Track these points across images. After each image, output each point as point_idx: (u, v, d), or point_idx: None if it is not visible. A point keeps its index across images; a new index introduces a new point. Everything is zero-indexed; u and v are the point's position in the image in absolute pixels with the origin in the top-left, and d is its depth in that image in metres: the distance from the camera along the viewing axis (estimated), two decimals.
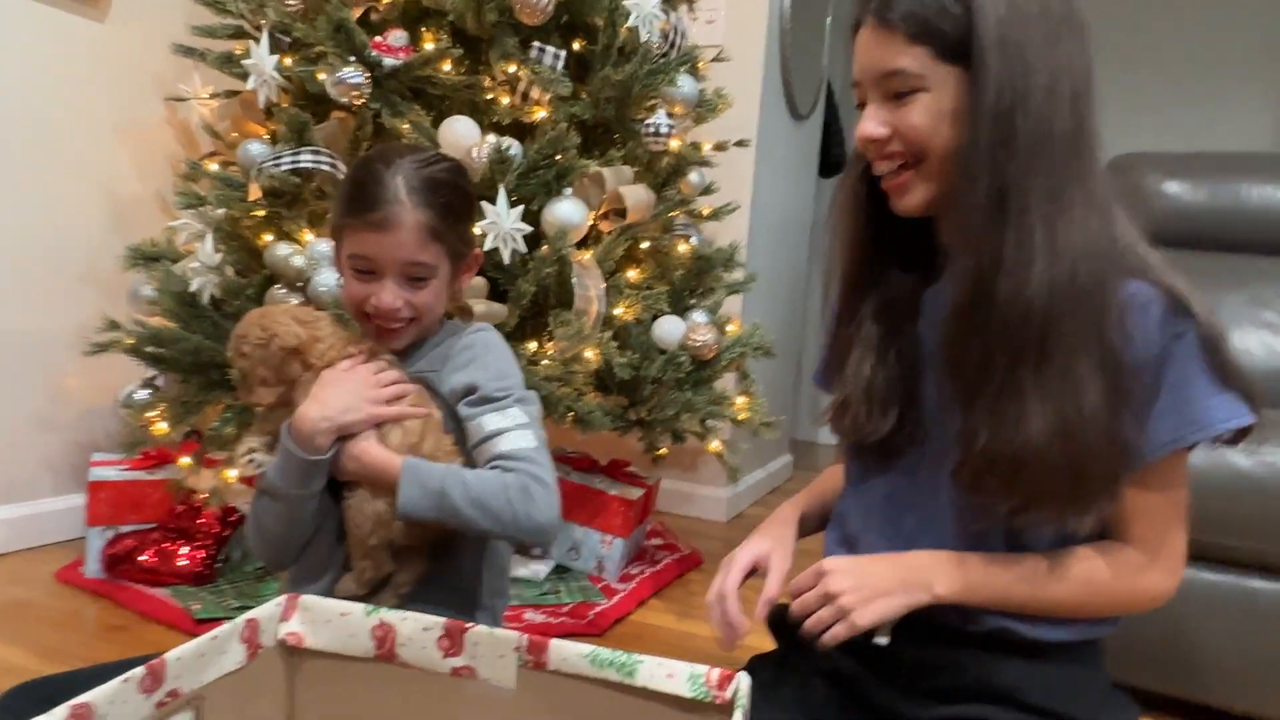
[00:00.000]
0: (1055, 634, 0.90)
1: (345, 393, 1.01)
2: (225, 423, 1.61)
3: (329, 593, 1.07)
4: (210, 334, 1.65)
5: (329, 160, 1.68)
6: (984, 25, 0.78)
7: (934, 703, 0.92)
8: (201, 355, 1.62)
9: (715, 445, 2.00)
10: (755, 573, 1.04)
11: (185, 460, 1.77)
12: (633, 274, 1.89)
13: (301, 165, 1.65)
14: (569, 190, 1.74)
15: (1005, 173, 0.79)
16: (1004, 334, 0.80)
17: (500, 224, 1.57)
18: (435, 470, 1.00)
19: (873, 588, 0.87)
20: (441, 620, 0.83)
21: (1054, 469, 0.80)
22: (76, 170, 2.04)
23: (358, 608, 0.85)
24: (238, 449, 1.07)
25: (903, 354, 0.94)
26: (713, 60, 2.10)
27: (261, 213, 1.72)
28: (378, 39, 1.73)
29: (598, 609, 1.81)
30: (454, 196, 1.06)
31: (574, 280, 1.68)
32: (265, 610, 0.83)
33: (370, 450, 1.02)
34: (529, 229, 1.62)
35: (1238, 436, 0.84)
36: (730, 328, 2.03)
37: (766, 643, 1.09)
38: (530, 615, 1.74)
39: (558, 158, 1.70)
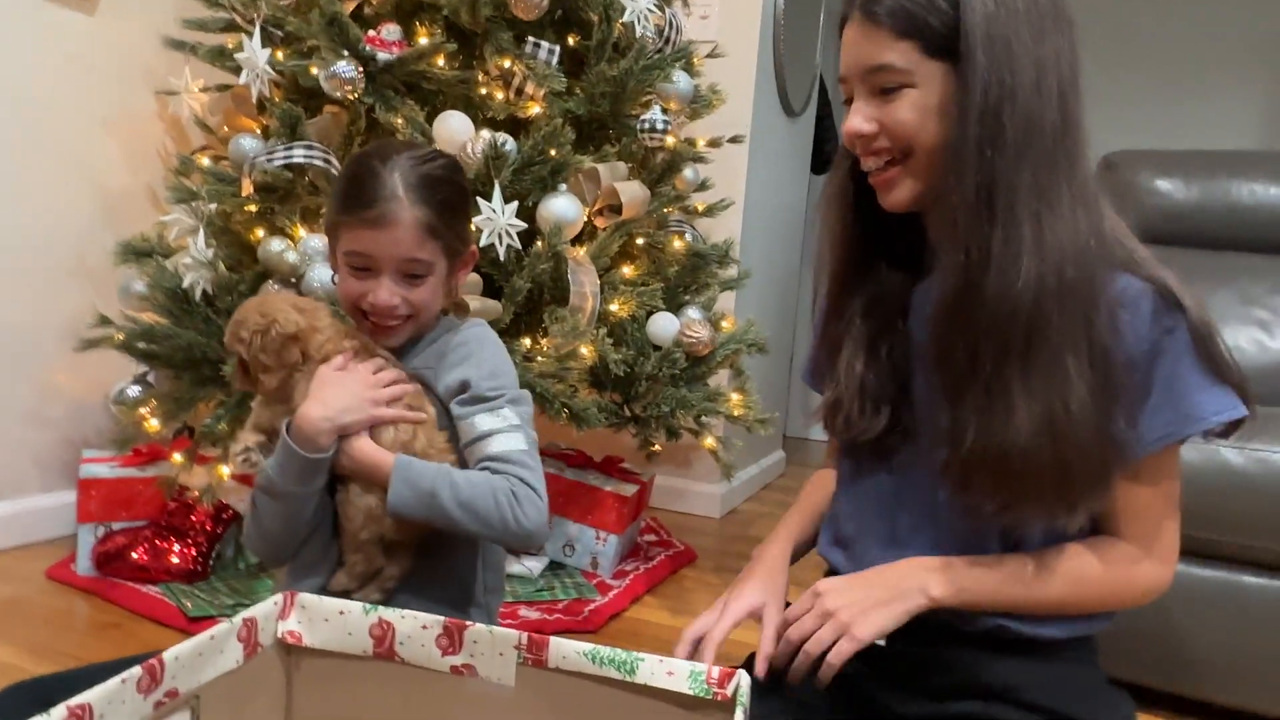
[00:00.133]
0: (1050, 631, 0.90)
1: (346, 393, 1.01)
2: (218, 419, 1.60)
3: (323, 589, 1.07)
4: (203, 330, 1.64)
5: (322, 155, 1.67)
6: (971, 20, 0.78)
7: (931, 701, 0.93)
8: (194, 351, 1.61)
9: (710, 442, 2.00)
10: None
11: (178, 457, 1.76)
12: (627, 270, 1.88)
13: (294, 160, 1.64)
14: (564, 186, 1.73)
15: (993, 168, 0.79)
16: (991, 330, 0.80)
17: (495, 220, 1.57)
18: (426, 470, 1.00)
19: (868, 600, 0.87)
20: (441, 618, 0.83)
21: (1041, 466, 0.80)
22: (66, 164, 2.02)
23: (356, 606, 0.85)
24: (233, 447, 1.06)
25: (893, 351, 0.94)
26: (708, 56, 2.09)
27: (254, 208, 1.70)
28: (371, 33, 1.72)
29: (592, 606, 1.81)
30: (451, 193, 1.05)
31: (569, 276, 1.67)
32: (263, 609, 0.83)
33: (363, 447, 1.02)
34: (524, 225, 1.62)
35: (1229, 429, 0.85)
36: (724, 324, 2.03)
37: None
38: (525, 612, 1.74)
39: (552, 153, 1.69)
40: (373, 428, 1.03)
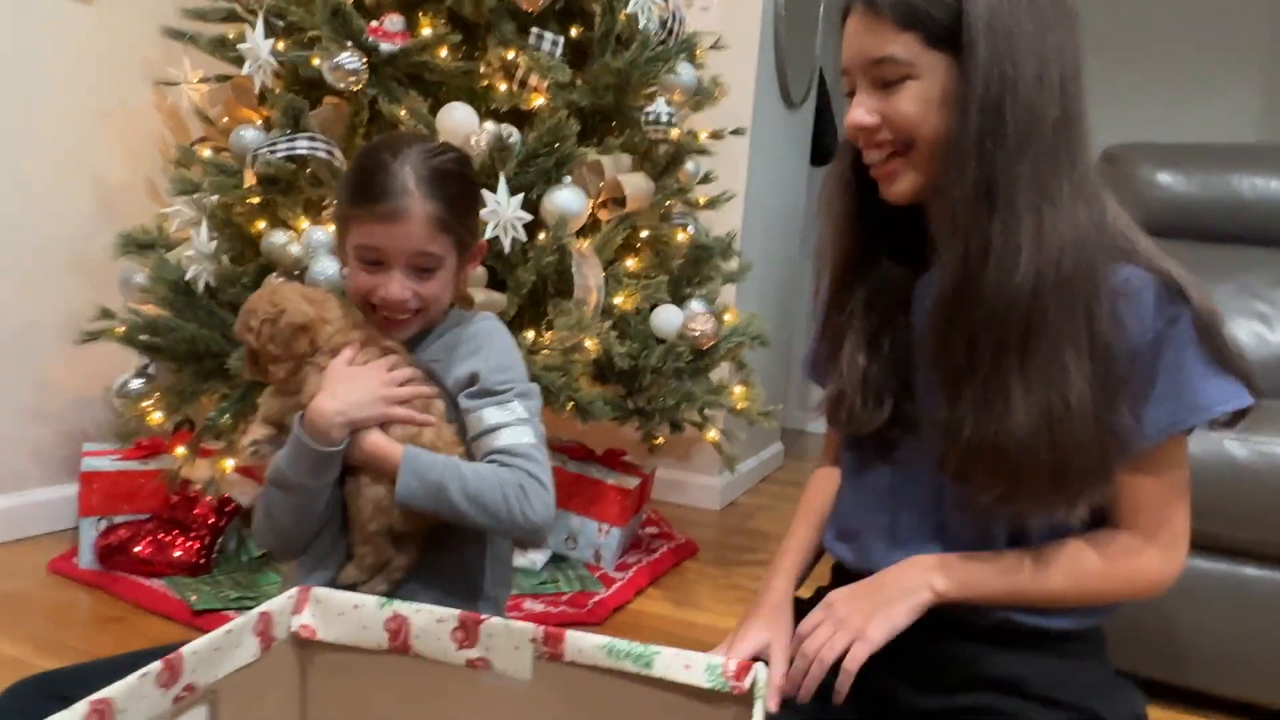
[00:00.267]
0: (1058, 623, 0.90)
1: (360, 387, 1.01)
2: (221, 412, 1.59)
3: (332, 582, 1.07)
4: (206, 322, 1.63)
5: (325, 146, 1.66)
6: (973, 11, 0.78)
7: (942, 694, 0.93)
8: (197, 344, 1.61)
9: (712, 435, 2.00)
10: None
11: (180, 450, 1.75)
12: (631, 263, 1.88)
13: (298, 151, 1.63)
14: (568, 179, 1.73)
15: (993, 161, 0.78)
16: (989, 323, 0.80)
17: (501, 212, 1.56)
18: (435, 462, 1.00)
19: (876, 603, 0.87)
20: (456, 612, 0.82)
21: (1038, 459, 0.80)
22: (63, 156, 2.01)
23: (370, 600, 0.85)
24: (242, 440, 1.06)
25: (895, 345, 0.94)
26: (711, 48, 2.09)
27: (256, 200, 1.69)
28: (374, 24, 1.71)
29: (597, 598, 1.81)
30: (462, 187, 1.05)
31: (573, 269, 1.67)
32: (278, 603, 0.83)
33: (373, 438, 1.02)
34: (529, 217, 1.61)
35: (1235, 419, 0.85)
36: (727, 317, 2.03)
37: None
38: (529, 604, 1.74)
39: (557, 146, 1.69)
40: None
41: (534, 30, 1.76)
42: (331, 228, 1.69)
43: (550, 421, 1.15)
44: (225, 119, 1.97)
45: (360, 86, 1.66)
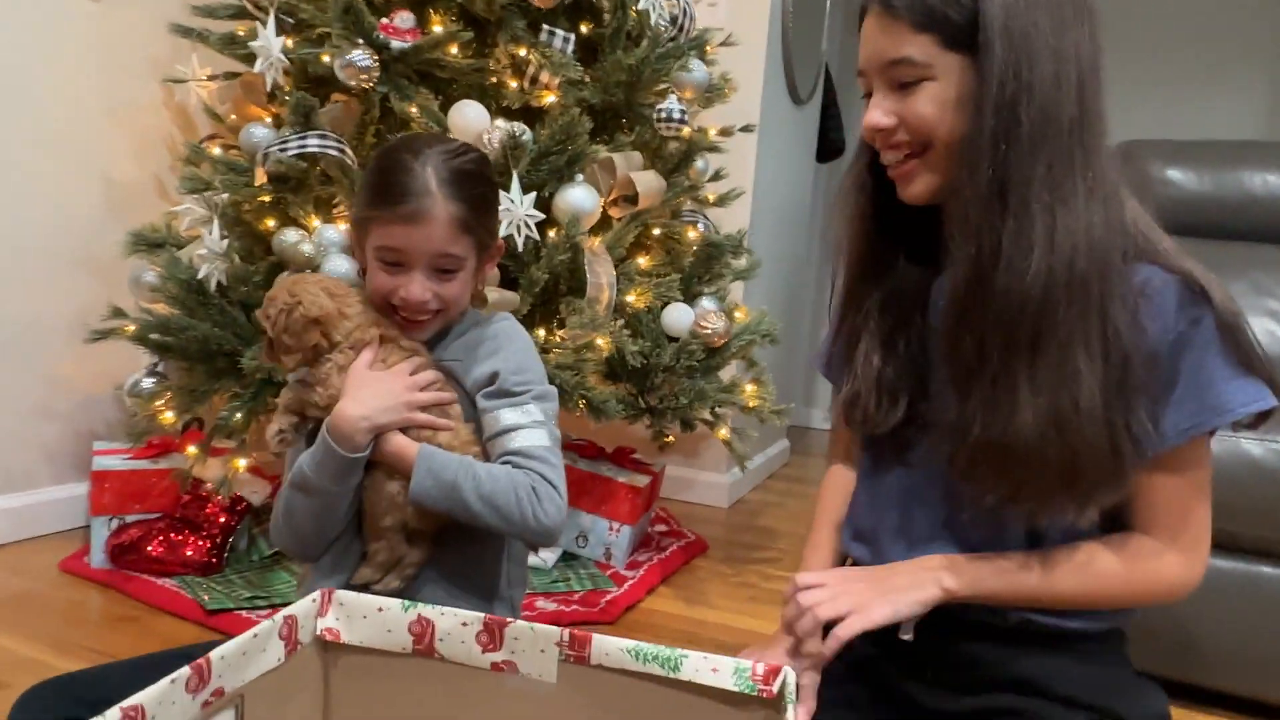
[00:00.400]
0: (1078, 624, 0.90)
1: (384, 392, 1.01)
2: (233, 411, 1.59)
3: (347, 584, 1.07)
4: (218, 321, 1.62)
5: (336, 144, 1.65)
6: (990, 12, 0.78)
7: (963, 695, 0.93)
8: (209, 343, 1.60)
9: (724, 433, 1.99)
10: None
11: (192, 449, 1.74)
12: (642, 261, 1.87)
13: (309, 149, 1.62)
14: (580, 176, 1.72)
15: (1007, 162, 0.78)
16: (999, 323, 0.80)
17: (514, 211, 1.55)
18: (450, 461, 1.00)
19: (885, 587, 0.87)
20: (481, 615, 0.82)
21: (1045, 460, 0.79)
22: (70, 153, 2.00)
23: (394, 603, 0.84)
24: (268, 430, 1.06)
25: (911, 345, 0.94)
26: (721, 44, 2.08)
27: (267, 198, 1.69)
28: (385, 21, 1.70)
29: (608, 597, 1.81)
30: (483, 187, 1.05)
31: (585, 267, 1.67)
32: (302, 606, 0.83)
33: (390, 436, 1.02)
34: (542, 216, 1.60)
35: (1258, 420, 0.84)
36: (737, 315, 2.02)
37: None
38: (541, 603, 1.74)
39: (569, 143, 1.68)
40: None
41: (545, 27, 1.76)
42: (343, 226, 1.69)
43: (561, 420, 1.15)
44: (234, 116, 1.97)
45: (371, 84, 1.66)
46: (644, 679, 0.77)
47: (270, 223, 1.71)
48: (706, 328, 1.85)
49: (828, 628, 0.86)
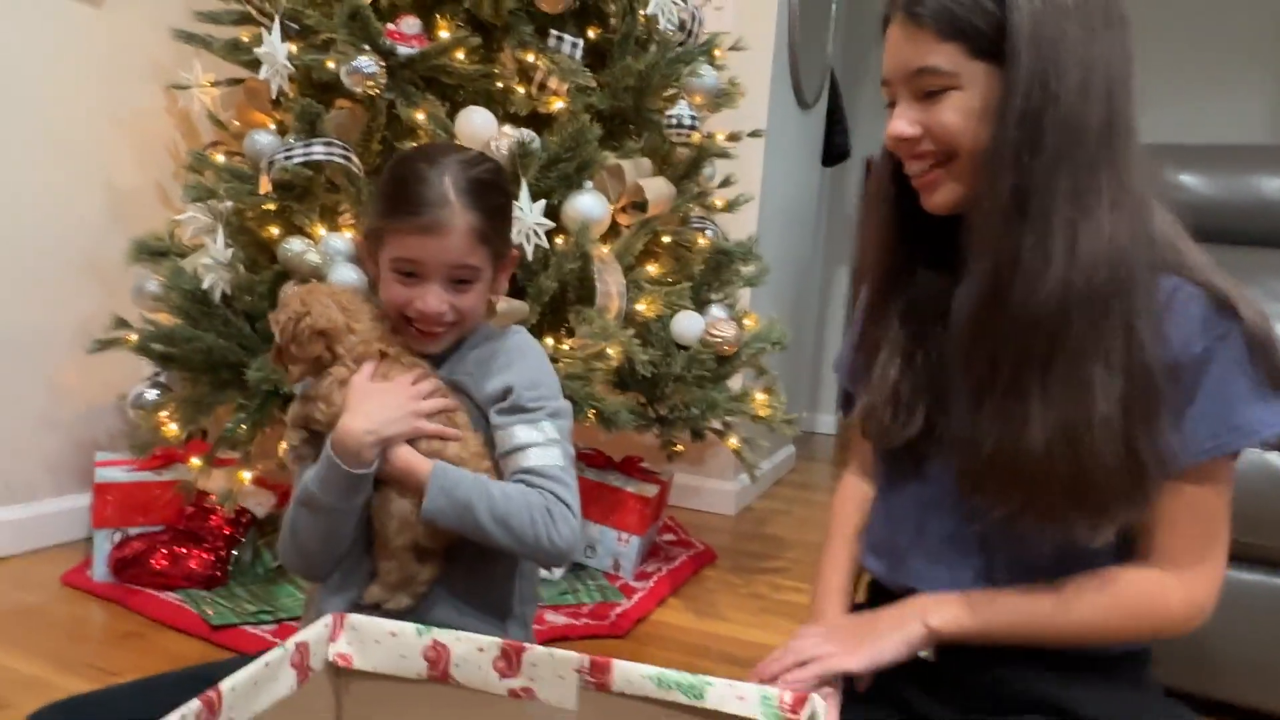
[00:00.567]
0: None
1: (389, 405, 0.99)
2: (238, 423, 1.56)
3: (356, 602, 1.05)
4: (222, 332, 1.60)
5: (342, 152, 1.63)
6: (1017, 20, 0.76)
7: (987, 717, 0.91)
8: (214, 354, 1.58)
9: (734, 442, 1.97)
10: None
11: (196, 461, 1.72)
12: (652, 269, 1.85)
13: (314, 157, 1.60)
14: (589, 183, 1.70)
15: (1029, 173, 0.76)
16: (1013, 338, 0.78)
17: (523, 219, 1.53)
18: (463, 480, 0.98)
19: (868, 634, 0.86)
20: (498, 640, 0.80)
21: (1054, 476, 0.77)
22: (72, 160, 1.98)
23: (409, 627, 0.82)
24: (282, 445, 1.05)
25: (929, 357, 0.92)
26: (730, 49, 2.06)
27: (272, 206, 1.67)
28: (391, 27, 1.68)
29: (618, 609, 1.78)
30: (500, 198, 1.03)
31: (595, 276, 1.64)
32: (314, 631, 0.80)
33: (400, 452, 1.00)
34: (551, 224, 1.58)
35: None
36: (747, 322, 2.00)
37: None
38: (551, 616, 1.72)
39: (577, 150, 1.66)
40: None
41: (553, 32, 1.74)
42: (349, 234, 1.67)
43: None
44: (237, 123, 1.95)
45: (378, 91, 1.63)
46: (667, 707, 0.75)
47: (275, 231, 1.69)
48: (717, 336, 1.82)
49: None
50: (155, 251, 1.76)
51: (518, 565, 1.12)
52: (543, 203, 1.58)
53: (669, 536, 2.32)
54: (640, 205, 1.80)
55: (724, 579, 2.10)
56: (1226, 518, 0.84)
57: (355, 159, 1.65)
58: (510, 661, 0.80)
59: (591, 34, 1.85)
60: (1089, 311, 0.76)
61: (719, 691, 0.74)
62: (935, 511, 0.92)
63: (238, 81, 1.94)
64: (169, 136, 2.17)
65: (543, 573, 1.92)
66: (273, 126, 1.81)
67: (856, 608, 1.02)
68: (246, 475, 1.69)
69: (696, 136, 1.83)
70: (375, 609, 1.04)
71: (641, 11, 1.81)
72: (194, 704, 0.64)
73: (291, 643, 0.77)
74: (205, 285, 1.60)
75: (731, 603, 1.95)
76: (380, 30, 1.63)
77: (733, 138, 2.11)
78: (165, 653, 1.50)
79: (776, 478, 3.19)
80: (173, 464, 1.81)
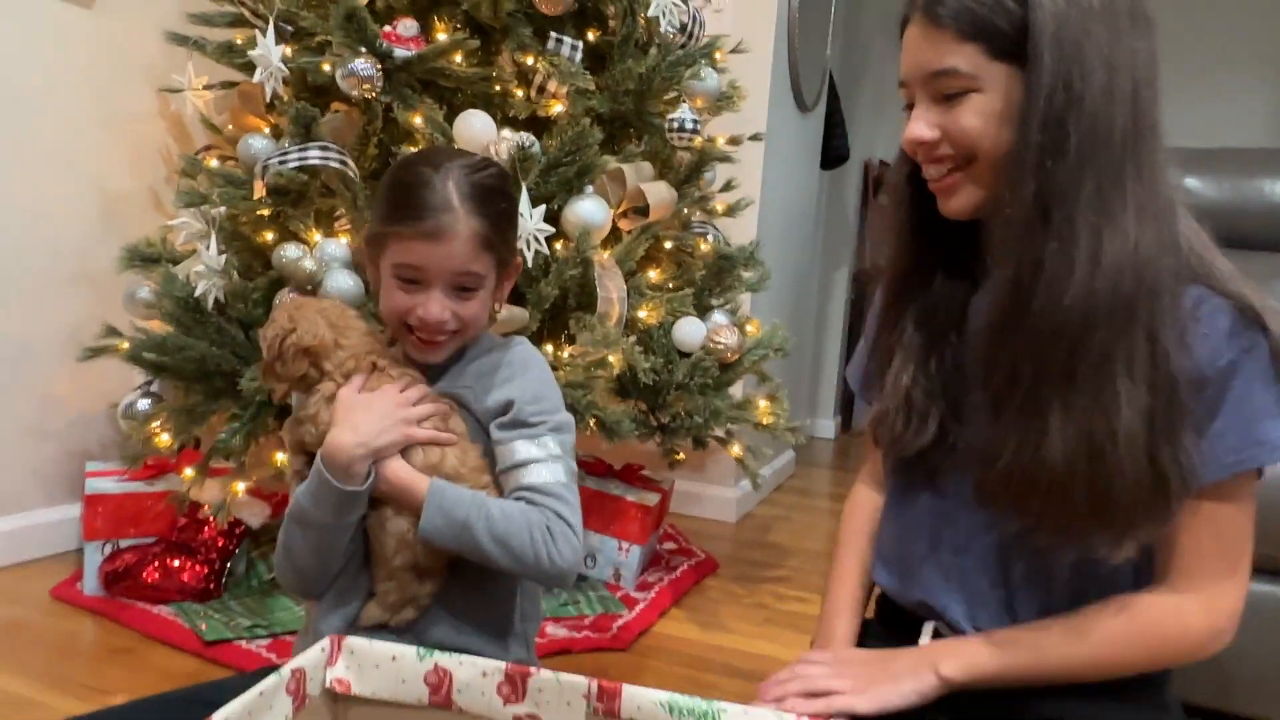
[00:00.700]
0: None
1: (377, 414, 0.96)
2: (232, 433, 1.53)
3: (354, 621, 1.02)
4: (215, 340, 1.56)
5: (338, 156, 1.60)
6: (1040, 21, 0.73)
7: None
8: (207, 363, 1.54)
9: (737, 450, 1.94)
10: None
11: (189, 472, 1.68)
12: (653, 274, 1.82)
13: (310, 162, 1.57)
14: (590, 188, 1.67)
15: (1052, 178, 0.74)
16: (1034, 347, 0.76)
17: (524, 225, 1.50)
18: (462, 498, 0.95)
19: (881, 674, 0.83)
20: (502, 664, 0.77)
21: (1072, 490, 0.75)
22: (63, 165, 1.94)
23: (409, 651, 0.79)
24: (276, 455, 1.02)
25: (944, 364, 0.90)
26: (732, 51, 2.03)
27: (266, 211, 1.63)
28: (387, 29, 1.65)
29: (620, 621, 1.75)
30: (504, 203, 1.00)
31: (595, 282, 1.61)
32: (310, 656, 0.77)
33: (395, 469, 0.97)
34: (552, 230, 1.55)
35: None
36: (749, 329, 1.97)
37: None
38: (552, 629, 1.68)
39: (577, 154, 1.63)
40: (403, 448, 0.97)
41: (553, 35, 1.71)
42: (345, 239, 1.63)
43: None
44: (231, 127, 1.92)
45: (374, 94, 1.60)
46: None
47: (269, 237, 1.66)
48: (719, 343, 1.79)
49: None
50: (147, 258, 1.72)
51: (519, 581, 1.09)
52: (543, 208, 1.55)
53: (670, 545, 2.29)
54: (641, 210, 1.77)
55: (726, 589, 2.07)
56: (1249, 536, 0.81)
57: (351, 163, 1.62)
58: (515, 686, 0.77)
59: (591, 36, 1.83)
60: (1113, 321, 0.73)
61: (733, 717, 0.71)
62: (949, 523, 0.90)
63: (231, 85, 1.91)
64: (161, 141, 2.14)
65: None
66: (267, 130, 1.77)
67: (865, 624, 1.00)
68: (240, 486, 1.66)
69: (699, 141, 1.81)
70: (375, 631, 1.01)
71: (642, 14, 1.79)
72: None
73: (287, 669, 0.74)
74: (198, 292, 1.57)
75: (735, 613, 1.92)
76: (377, 32, 1.60)
77: (733, 141, 2.08)
78: (158, 669, 1.47)
79: (777, 484, 3.17)
80: (165, 474, 1.78)
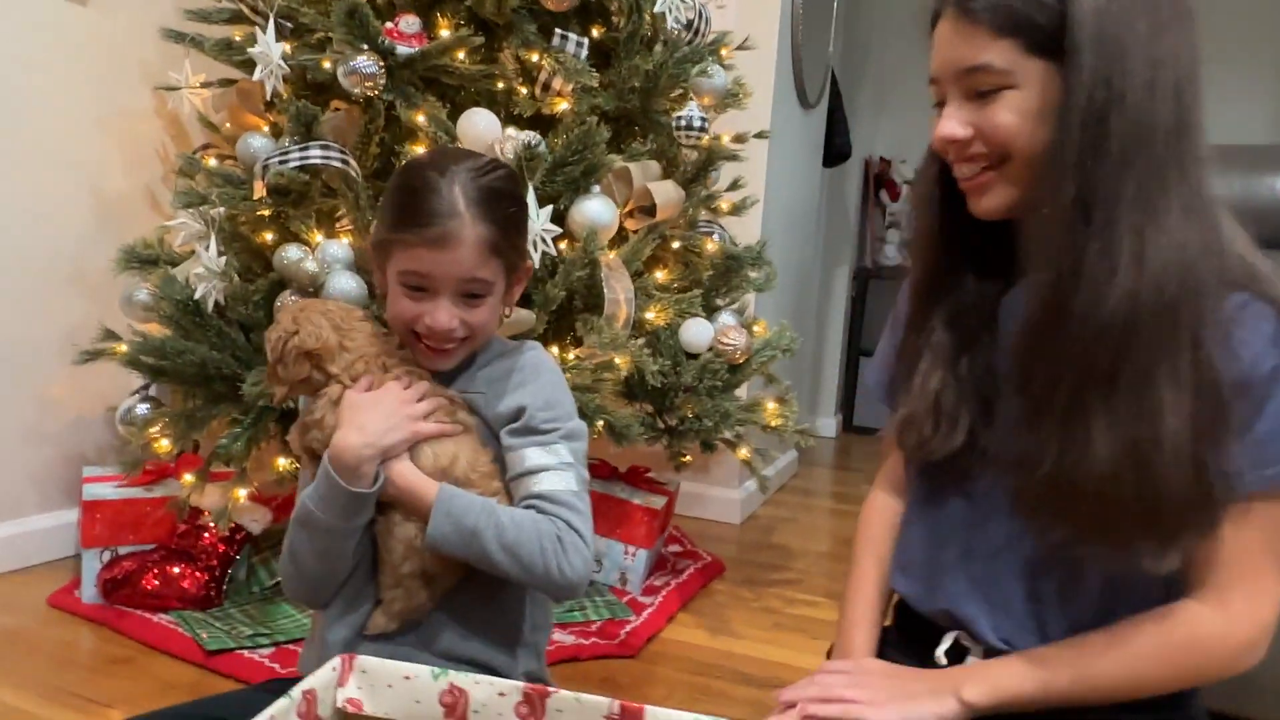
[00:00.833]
0: None
1: (384, 413, 0.94)
2: (234, 439, 1.50)
3: (360, 630, 0.99)
4: (215, 344, 1.53)
5: (340, 155, 1.57)
6: (1079, 15, 0.71)
7: None
8: (208, 367, 1.51)
9: (744, 453, 1.92)
10: None
11: (189, 478, 1.65)
12: (660, 275, 1.80)
13: (311, 161, 1.54)
14: (596, 188, 1.64)
15: (1094, 178, 0.72)
16: (1076, 352, 0.73)
17: (531, 225, 1.47)
18: (471, 506, 0.93)
19: (902, 692, 0.81)
20: (520, 684, 0.75)
21: (1121, 499, 0.73)
22: (58, 164, 1.91)
23: (424, 670, 0.76)
24: (278, 461, 0.99)
25: (976, 366, 0.87)
26: (738, 48, 2.00)
27: (266, 212, 1.60)
28: (389, 25, 1.62)
29: (628, 627, 1.73)
30: (513, 207, 0.97)
31: (602, 283, 1.59)
32: (322, 677, 0.75)
33: (404, 471, 0.94)
34: (559, 230, 1.53)
35: None
36: (756, 329, 1.94)
37: None
38: (559, 636, 1.66)
39: (584, 153, 1.60)
40: (410, 449, 0.95)
41: (558, 31, 1.68)
42: (347, 240, 1.60)
43: None
44: (228, 125, 1.88)
45: (377, 92, 1.57)
46: None
47: (269, 238, 1.62)
48: (728, 344, 1.77)
49: None
50: (145, 260, 1.69)
51: (529, 589, 1.06)
52: (550, 208, 1.52)
53: (675, 548, 2.26)
54: (647, 210, 1.74)
55: (734, 592, 2.04)
56: None
57: (353, 163, 1.59)
58: (534, 707, 0.75)
59: (595, 33, 1.80)
60: (1158, 325, 0.71)
61: None
62: (978, 530, 0.87)
63: (229, 82, 1.88)
64: (158, 140, 2.10)
65: None
66: (266, 129, 1.74)
67: (883, 632, 0.97)
68: (242, 492, 1.63)
69: (706, 139, 1.78)
70: (379, 639, 0.98)
71: (648, 10, 1.76)
72: None
73: (298, 691, 0.72)
74: (198, 295, 1.53)
75: (743, 618, 1.89)
76: (379, 29, 1.57)
77: (739, 139, 2.05)
78: (158, 680, 1.44)
79: (780, 484, 3.14)
80: (164, 480, 1.74)
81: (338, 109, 1.76)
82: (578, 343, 1.64)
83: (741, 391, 2.01)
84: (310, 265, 1.50)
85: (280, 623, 1.62)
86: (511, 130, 1.61)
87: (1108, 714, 0.81)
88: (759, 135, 2.15)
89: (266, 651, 1.52)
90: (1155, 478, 0.72)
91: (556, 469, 0.96)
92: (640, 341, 1.58)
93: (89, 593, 1.68)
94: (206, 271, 1.53)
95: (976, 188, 0.81)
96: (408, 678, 0.77)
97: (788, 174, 2.83)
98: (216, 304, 1.56)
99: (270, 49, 1.57)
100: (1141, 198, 0.71)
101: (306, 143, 1.55)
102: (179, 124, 2.11)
